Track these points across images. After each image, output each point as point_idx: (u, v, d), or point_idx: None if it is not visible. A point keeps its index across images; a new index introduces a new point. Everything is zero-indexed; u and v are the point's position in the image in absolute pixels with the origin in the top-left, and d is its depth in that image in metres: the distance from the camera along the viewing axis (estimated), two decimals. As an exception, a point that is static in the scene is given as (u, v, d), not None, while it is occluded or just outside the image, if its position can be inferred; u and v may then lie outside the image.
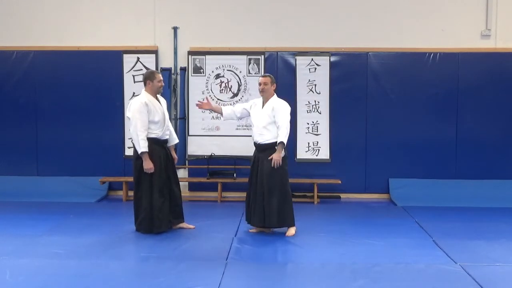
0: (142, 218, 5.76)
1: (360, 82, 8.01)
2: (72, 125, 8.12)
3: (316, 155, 7.99)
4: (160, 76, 5.86)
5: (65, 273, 4.52)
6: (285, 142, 5.68)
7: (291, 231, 5.81)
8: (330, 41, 8.01)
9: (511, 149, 7.97)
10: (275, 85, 5.89)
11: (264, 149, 5.77)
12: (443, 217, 6.75)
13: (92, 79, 8.09)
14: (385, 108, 7.99)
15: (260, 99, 5.90)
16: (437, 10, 8.00)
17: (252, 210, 5.85)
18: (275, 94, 5.89)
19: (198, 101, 6.19)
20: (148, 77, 5.81)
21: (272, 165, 5.63)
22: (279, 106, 5.76)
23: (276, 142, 5.68)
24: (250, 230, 5.96)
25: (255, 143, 5.90)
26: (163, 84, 5.96)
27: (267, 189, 5.68)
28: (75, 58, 8.08)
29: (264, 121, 5.74)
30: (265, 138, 5.75)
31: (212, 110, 6.26)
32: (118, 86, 8.07)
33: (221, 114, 6.12)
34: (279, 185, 5.70)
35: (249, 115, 5.99)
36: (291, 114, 5.86)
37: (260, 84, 5.83)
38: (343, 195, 8.02)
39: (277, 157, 5.64)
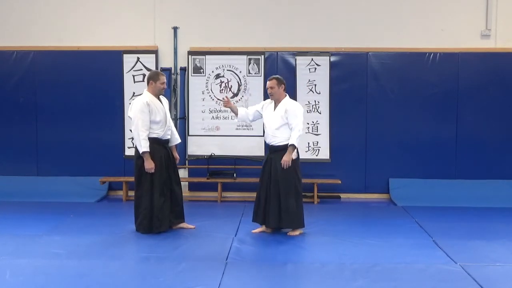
0: (142, 218, 5.76)
1: (360, 82, 8.01)
2: (72, 125, 8.12)
3: (316, 155, 7.99)
4: (164, 78, 5.84)
5: (65, 273, 4.52)
6: (296, 145, 5.64)
7: (296, 231, 5.79)
8: (330, 41, 8.01)
9: (511, 149, 7.98)
10: (283, 85, 5.78)
11: (277, 150, 5.73)
12: (443, 217, 6.75)
13: (92, 79, 8.09)
14: (385, 108, 7.99)
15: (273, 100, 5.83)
16: (437, 10, 8.00)
17: (265, 211, 5.78)
18: (287, 95, 5.82)
19: (225, 97, 6.14)
20: (152, 77, 5.81)
21: (282, 167, 5.61)
22: (292, 108, 5.68)
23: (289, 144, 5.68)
24: (253, 231, 5.90)
25: (267, 144, 5.88)
26: (166, 87, 5.94)
27: (283, 191, 5.66)
28: (75, 58, 8.08)
29: (276, 123, 5.68)
30: (278, 140, 5.71)
31: (231, 109, 6.11)
32: (118, 86, 8.07)
33: (236, 114, 6.06)
34: (293, 186, 5.68)
35: (262, 117, 5.94)
36: None
37: (267, 88, 5.78)
38: (343, 195, 8.02)
39: (287, 158, 5.59)
